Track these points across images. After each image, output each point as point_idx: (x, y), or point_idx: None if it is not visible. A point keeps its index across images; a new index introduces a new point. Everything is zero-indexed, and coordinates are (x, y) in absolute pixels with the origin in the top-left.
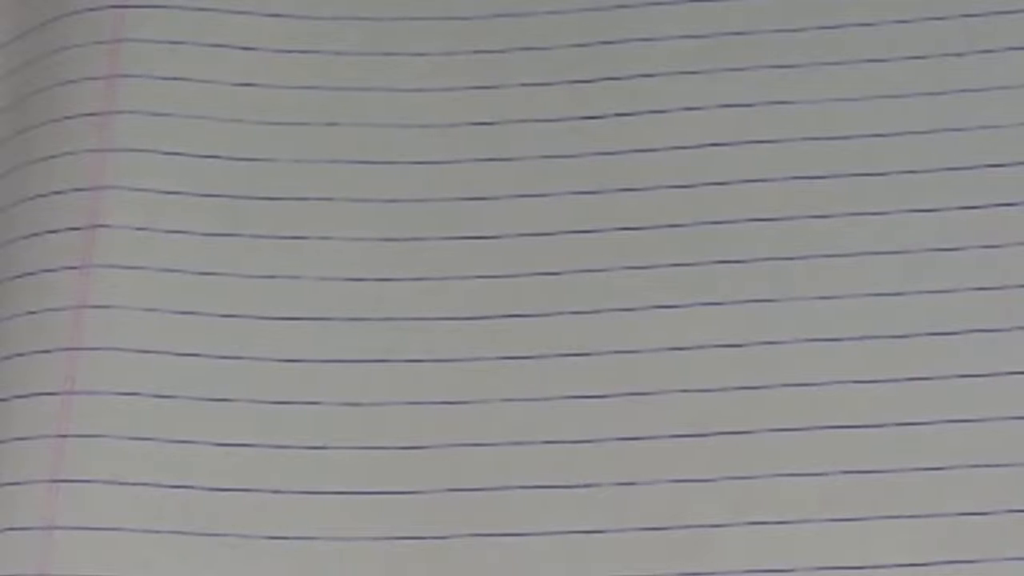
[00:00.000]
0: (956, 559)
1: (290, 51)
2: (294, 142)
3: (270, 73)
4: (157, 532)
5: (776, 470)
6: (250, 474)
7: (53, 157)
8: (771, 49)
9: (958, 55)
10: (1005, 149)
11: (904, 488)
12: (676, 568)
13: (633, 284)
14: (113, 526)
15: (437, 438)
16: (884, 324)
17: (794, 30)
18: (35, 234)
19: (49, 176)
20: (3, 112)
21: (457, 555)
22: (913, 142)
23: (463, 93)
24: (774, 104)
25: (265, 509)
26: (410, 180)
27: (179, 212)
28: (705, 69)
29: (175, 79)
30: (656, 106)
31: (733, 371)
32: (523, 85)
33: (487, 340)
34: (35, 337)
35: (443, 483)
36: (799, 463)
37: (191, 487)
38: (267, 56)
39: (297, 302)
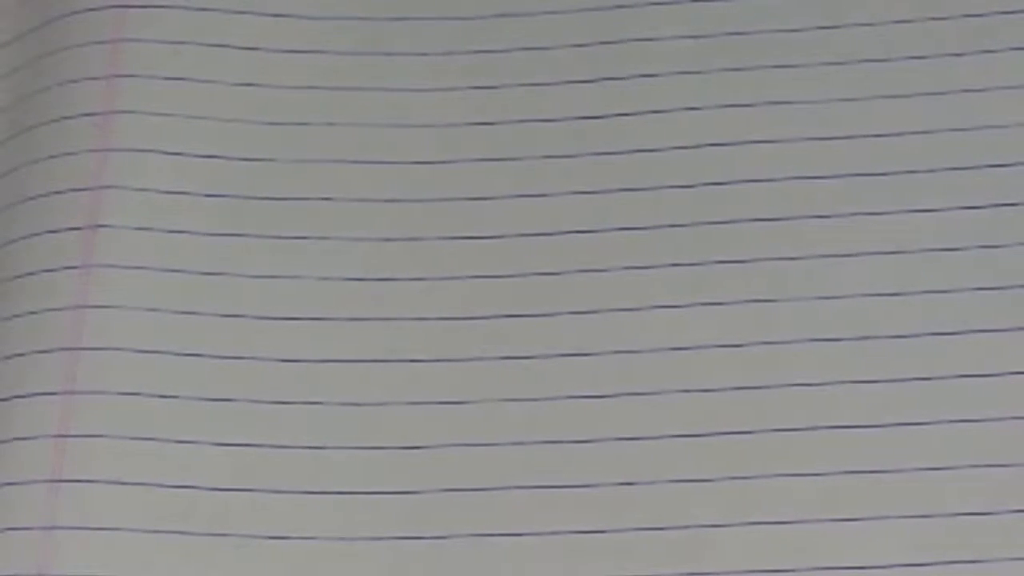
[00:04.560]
0: (956, 559)
1: (290, 51)
2: (294, 142)
3: (270, 73)
4: (157, 532)
5: (776, 470)
6: (250, 474)
7: (53, 157)
8: (771, 49)
9: (958, 55)
10: (1006, 149)
11: (904, 488)
12: (676, 568)
13: (633, 284)
14: (113, 526)
15: (436, 438)
16: (884, 324)
17: (794, 30)
18: (35, 234)
19: (49, 176)
20: (3, 112)
21: (457, 555)
22: (913, 142)
23: (463, 93)
24: (774, 104)
25: (265, 509)
26: (410, 180)
27: (179, 212)
28: (705, 69)
29: (176, 79)
30: (656, 106)
31: (733, 371)
32: (523, 85)
33: (487, 340)
34: (35, 337)
35: (442, 483)
36: (799, 463)
37: (192, 487)
38: (267, 56)
39: (297, 302)
